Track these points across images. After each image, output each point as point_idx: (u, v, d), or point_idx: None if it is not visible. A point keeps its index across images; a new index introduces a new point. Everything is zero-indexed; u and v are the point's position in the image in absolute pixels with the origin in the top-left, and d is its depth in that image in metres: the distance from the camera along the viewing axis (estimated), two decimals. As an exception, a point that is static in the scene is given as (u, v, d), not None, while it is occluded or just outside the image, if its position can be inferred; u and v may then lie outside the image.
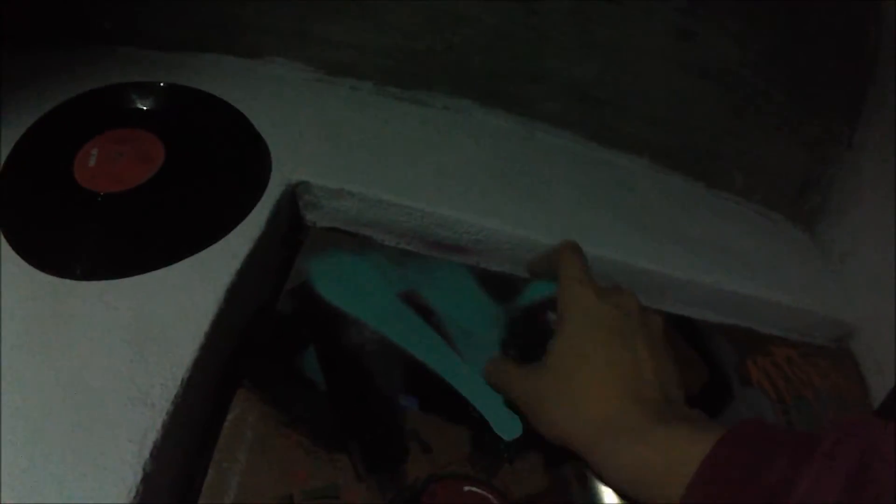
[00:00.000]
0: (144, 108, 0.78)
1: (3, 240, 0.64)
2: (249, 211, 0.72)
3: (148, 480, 0.52)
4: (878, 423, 0.40)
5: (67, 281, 0.62)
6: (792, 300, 0.98)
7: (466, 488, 0.65)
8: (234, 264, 0.67)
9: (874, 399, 1.03)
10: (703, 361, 0.88)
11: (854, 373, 1.05)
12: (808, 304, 1.00)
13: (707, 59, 0.94)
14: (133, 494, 0.51)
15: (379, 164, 0.81)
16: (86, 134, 0.73)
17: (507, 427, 0.69)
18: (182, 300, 0.62)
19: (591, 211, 0.88)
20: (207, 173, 0.74)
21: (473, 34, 0.86)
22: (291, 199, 0.79)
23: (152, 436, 0.53)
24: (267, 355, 0.66)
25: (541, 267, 0.65)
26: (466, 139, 0.89)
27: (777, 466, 0.38)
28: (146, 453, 0.52)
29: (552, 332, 0.62)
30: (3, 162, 0.69)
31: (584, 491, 0.65)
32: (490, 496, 0.65)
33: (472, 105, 0.90)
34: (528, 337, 0.59)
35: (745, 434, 0.41)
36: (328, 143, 0.82)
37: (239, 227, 0.71)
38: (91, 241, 0.66)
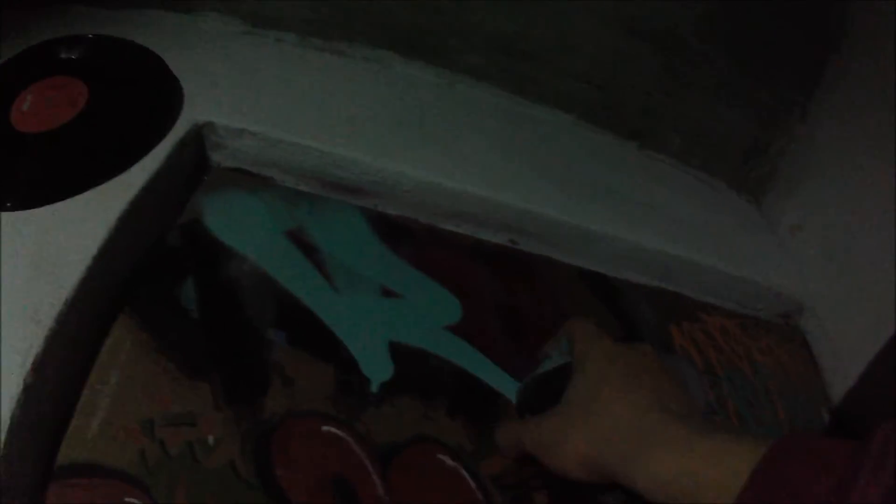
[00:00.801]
0: (74, 57, 0.82)
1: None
2: (152, 148, 0.73)
3: (28, 392, 0.53)
4: None
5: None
6: (728, 267, 0.94)
7: (325, 428, 0.63)
8: (129, 195, 0.67)
9: (828, 381, 0.97)
10: (616, 320, 0.84)
11: (803, 351, 0.99)
12: (749, 274, 0.96)
13: (642, 17, 0.92)
14: (14, 404, 0.51)
15: (286, 109, 0.81)
16: (24, 82, 0.77)
17: (377, 369, 0.68)
18: (79, 227, 0.63)
19: (504, 161, 0.86)
20: (121, 114, 0.77)
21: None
22: (197, 139, 0.78)
23: (35, 350, 0.54)
24: (148, 284, 0.66)
25: (552, 346, 0.65)
26: (382, 89, 0.88)
27: (826, 479, 0.38)
28: (28, 365, 0.53)
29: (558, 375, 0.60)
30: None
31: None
32: (348, 438, 0.63)
33: (392, 56, 0.89)
34: (540, 403, 0.59)
35: (793, 446, 0.41)
36: (241, 89, 0.82)
37: (141, 163, 0.71)
38: (14, 175, 0.69)
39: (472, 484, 0.63)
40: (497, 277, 0.80)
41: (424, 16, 0.89)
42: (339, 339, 0.67)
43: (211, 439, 0.58)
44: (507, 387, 0.70)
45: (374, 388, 0.65)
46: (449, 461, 0.64)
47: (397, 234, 0.78)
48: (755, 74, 0.98)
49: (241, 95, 0.81)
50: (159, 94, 0.79)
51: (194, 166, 0.79)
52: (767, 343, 0.97)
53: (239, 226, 0.73)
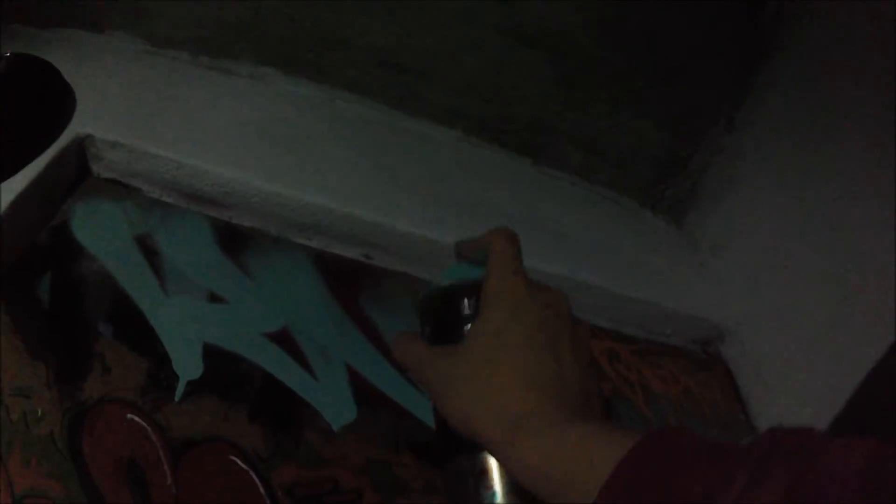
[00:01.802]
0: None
1: None
2: (38, 156, 0.78)
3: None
4: (818, 434, 0.38)
5: None
6: (627, 289, 0.88)
7: (129, 416, 0.67)
8: (9, 198, 0.72)
9: (753, 412, 0.89)
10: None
11: (722, 380, 0.91)
12: (654, 297, 0.89)
13: (530, 22, 0.89)
14: None
15: (162, 123, 0.84)
16: None
17: (188, 368, 0.70)
18: None
19: (370, 176, 0.86)
20: (15, 123, 0.81)
21: (278, 2, 0.86)
22: (79, 150, 0.83)
23: None
24: (18, 276, 0.73)
25: (470, 250, 0.61)
26: (262, 105, 0.90)
27: (693, 474, 0.37)
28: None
29: (468, 318, 0.58)
30: None
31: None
32: (148, 428, 0.66)
33: (275, 73, 0.90)
34: (443, 319, 0.59)
35: (664, 439, 0.40)
36: (128, 104, 0.86)
37: (25, 170, 0.76)
38: None
39: (261, 490, 0.65)
40: (342, 289, 0.80)
41: (304, 31, 0.89)
42: (158, 336, 0.71)
43: (39, 412, 0.64)
44: (317, 397, 0.71)
45: (180, 385, 0.68)
46: (240, 464, 0.66)
47: (240, 244, 0.81)
48: (668, 82, 0.92)
49: (126, 110, 0.85)
50: (54, 107, 0.84)
51: (76, 175, 0.84)
52: (672, 371, 0.89)
53: (97, 230, 0.78)
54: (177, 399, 0.68)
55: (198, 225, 0.81)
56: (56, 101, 0.86)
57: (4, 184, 0.74)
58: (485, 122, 0.90)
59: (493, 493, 0.49)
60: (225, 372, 0.71)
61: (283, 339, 0.74)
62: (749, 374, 0.92)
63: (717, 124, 0.96)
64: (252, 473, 0.65)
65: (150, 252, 0.77)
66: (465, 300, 0.56)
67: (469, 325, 0.55)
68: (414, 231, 0.81)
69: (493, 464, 0.50)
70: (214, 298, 0.75)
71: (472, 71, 0.90)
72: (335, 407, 0.71)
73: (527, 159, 0.92)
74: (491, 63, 0.89)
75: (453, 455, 0.52)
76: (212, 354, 0.71)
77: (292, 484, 0.65)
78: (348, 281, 0.81)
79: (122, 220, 0.80)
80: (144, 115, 0.86)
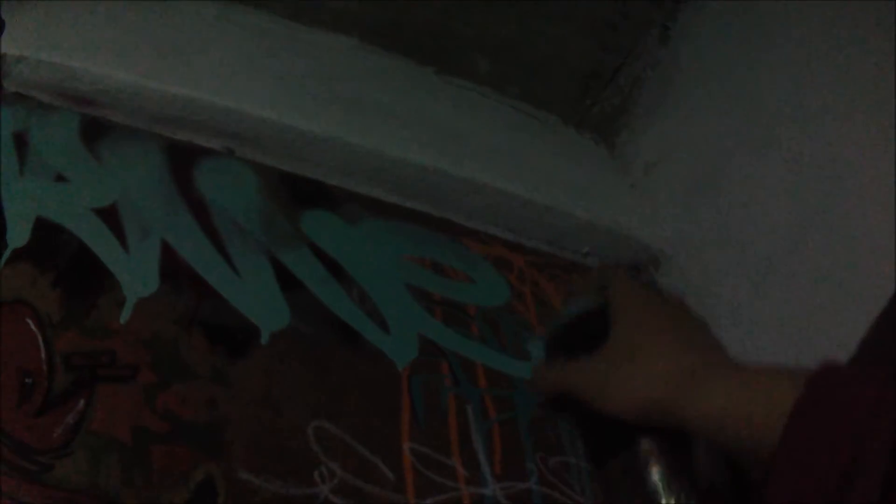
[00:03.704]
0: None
1: None
2: None
3: None
4: None
5: None
6: (533, 196, 0.78)
7: None
8: None
9: None
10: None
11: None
12: (569, 208, 0.79)
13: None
14: None
15: (64, 38, 0.85)
16: None
17: (15, 239, 0.70)
18: None
19: (248, 75, 0.83)
20: None
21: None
22: None
23: None
24: None
25: (582, 286, 0.64)
26: (155, 21, 0.91)
27: (860, 405, 0.39)
28: None
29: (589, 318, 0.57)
30: None
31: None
32: None
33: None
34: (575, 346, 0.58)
35: (830, 374, 0.42)
36: (39, 26, 0.87)
37: None
38: None
39: (43, 353, 0.63)
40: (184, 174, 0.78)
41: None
42: (2, 209, 0.71)
43: None
44: (121, 268, 0.69)
45: (5, 251, 0.68)
46: (32, 326, 0.64)
47: (100, 134, 0.80)
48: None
49: (38, 31, 0.86)
50: None
51: None
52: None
53: None
54: None
55: (67, 120, 0.81)
56: None
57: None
58: (383, 28, 0.84)
59: (661, 474, 0.48)
60: (45, 242, 0.70)
61: (109, 214, 0.73)
62: (691, 303, 0.78)
63: (650, 35, 0.86)
64: (39, 336, 0.64)
65: (21, 144, 0.78)
66: (589, 326, 0.54)
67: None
68: (276, 119, 0.76)
69: (653, 448, 0.48)
70: (59, 179, 0.75)
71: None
72: (137, 279, 0.68)
73: (429, 68, 0.84)
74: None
75: (610, 456, 0.50)
76: (40, 227, 0.71)
77: (71, 352, 0.63)
78: (191, 166, 0.78)
79: (8, 122, 0.81)
80: (54, 33, 0.87)
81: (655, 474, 0.49)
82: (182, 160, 0.78)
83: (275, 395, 0.64)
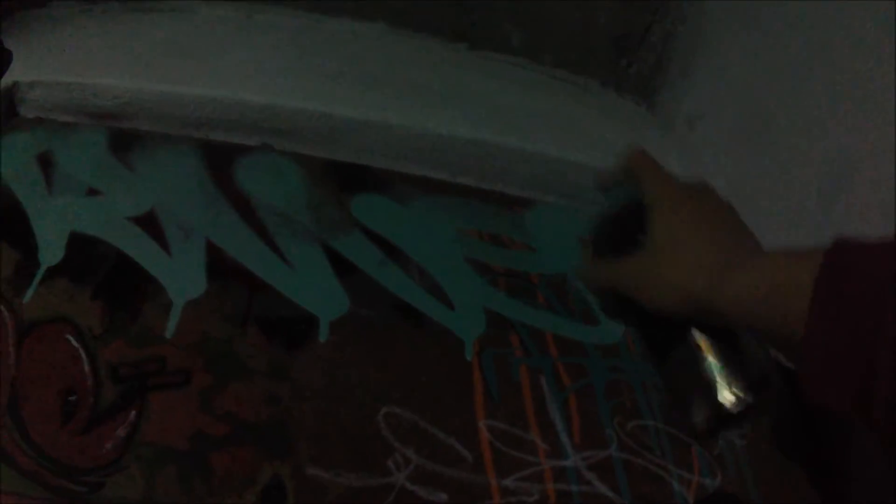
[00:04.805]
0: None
1: None
2: None
3: None
4: None
5: None
6: (590, 161, 0.76)
7: None
8: None
9: None
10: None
11: None
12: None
13: None
14: None
15: (77, 60, 0.85)
16: None
17: (50, 255, 0.68)
18: None
19: (277, 71, 0.81)
20: None
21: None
22: (9, 98, 0.86)
23: None
24: None
25: (607, 179, 0.64)
26: (175, 29, 0.89)
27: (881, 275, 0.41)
28: None
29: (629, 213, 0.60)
30: None
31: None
32: (4, 313, 0.64)
33: (196, 3, 0.87)
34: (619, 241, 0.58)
35: (848, 247, 0.44)
36: (49, 54, 0.87)
37: None
38: None
39: (86, 368, 0.61)
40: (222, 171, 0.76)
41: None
42: (32, 230, 0.70)
43: None
44: (165, 272, 0.67)
45: (39, 270, 0.67)
46: (73, 342, 0.63)
47: (130, 144, 0.79)
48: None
49: (48, 58, 0.86)
50: None
51: (7, 119, 0.86)
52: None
53: (8, 157, 0.79)
54: (32, 284, 0.65)
55: (93, 135, 0.80)
56: None
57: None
58: (407, 10, 0.82)
59: (714, 366, 0.51)
60: (81, 255, 0.68)
61: (147, 221, 0.71)
62: None
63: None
64: (81, 351, 0.62)
65: (46, 164, 0.77)
66: (631, 221, 0.57)
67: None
68: (314, 109, 0.75)
69: (703, 341, 0.52)
70: (92, 192, 0.74)
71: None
72: (183, 281, 0.66)
73: (462, 44, 0.82)
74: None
75: (668, 351, 0.54)
76: (74, 241, 0.69)
77: (118, 363, 0.61)
78: (229, 164, 0.76)
79: (30, 145, 0.81)
80: (66, 55, 0.87)
81: (709, 366, 0.51)
82: (219, 159, 0.76)
83: (339, 384, 0.61)
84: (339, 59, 0.83)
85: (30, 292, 0.64)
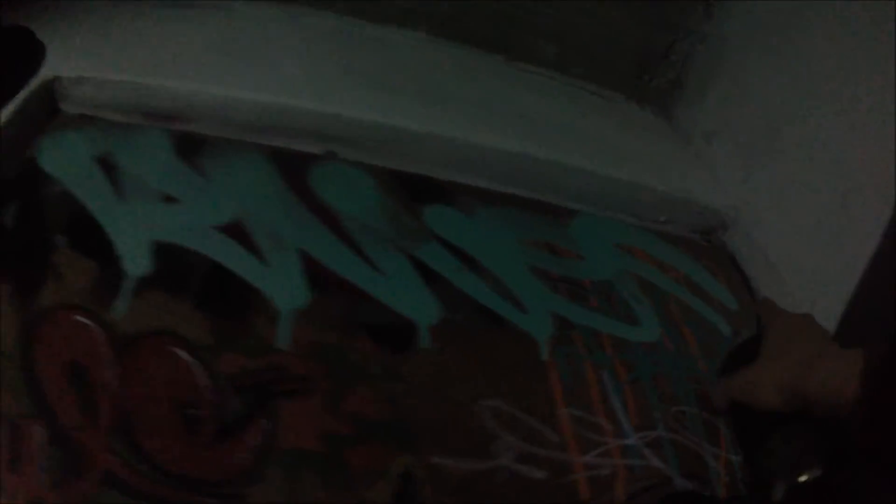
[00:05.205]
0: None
1: None
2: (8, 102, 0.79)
3: None
4: None
5: None
6: (613, 173, 0.83)
7: (76, 317, 0.65)
8: None
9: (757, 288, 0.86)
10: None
11: (729, 269, 0.85)
12: (645, 181, 0.85)
13: None
14: None
15: (124, 56, 0.85)
16: None
17: (136, 265, 0.69)
18: None
19: (328, 77, 0.84)
20: None
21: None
22: (47, 91, 0.83)
23: None
24: None
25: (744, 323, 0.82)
26: (221, 29, 0.90)
27: None
28: None
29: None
30: None
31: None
32: (94, 327, 0.64)
33: (235, 2, 0.89)
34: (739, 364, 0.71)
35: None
36: (92, 47, 0.86)
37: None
38: None
39: (205, 380, 0.63)
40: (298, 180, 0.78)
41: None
42: (111, 239, 0.70)
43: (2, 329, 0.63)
44: (267, 282, 0.69)
45: (127, 282, 0.67)
46: (183, 354, 0.64)
47: (198, 149, 0.79)
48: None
49: (91, 51, 0.86)
50: (25, 60, 0.85)
51: (46, 115, 0.84)
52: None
53: (61, 158, 0.78)
54: (122, 296, 0.66)
55: (156, 138, 0.80)
56: (26, 52, 0.87)
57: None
58: (449, 20, 0.87)
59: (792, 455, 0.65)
60: (172, 266, 0.69)
61: (234, 230, 0.72)
62: (757, 260, 0.86)
63: (696, 11, 0.92)
64: (195, 363, 0.63)
65: (109, 168, 0.76)
66: (751, 348, 0.71)
67: None
68: (376, 120, 0.79)
69: (786, 434, 0.66)
70: (168, 199, 0.74)
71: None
72: (285, 290, 0.69)
73: (499, 56, 0.88)
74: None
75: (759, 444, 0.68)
76: (160, 250, 0.70)
77: (238, 373, 0.63)
78: (303, 173, 0.78)
79: (84, 145, 0.79)
80: (108, 51, 0.86)
81: (790, 455, 0.64)
82: (292, 167, 0.77)
83: (444, 383, 0.66)
84: (388, 67, 0.87)
85: (123, 305, 0.65)
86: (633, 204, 0.85)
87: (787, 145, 0.84)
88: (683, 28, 0.90)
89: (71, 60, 0.84)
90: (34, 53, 0.87)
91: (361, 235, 0.74)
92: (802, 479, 0.63)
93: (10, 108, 0.78)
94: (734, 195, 0.88)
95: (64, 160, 0.77)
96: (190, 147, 0.79)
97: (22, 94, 0.80)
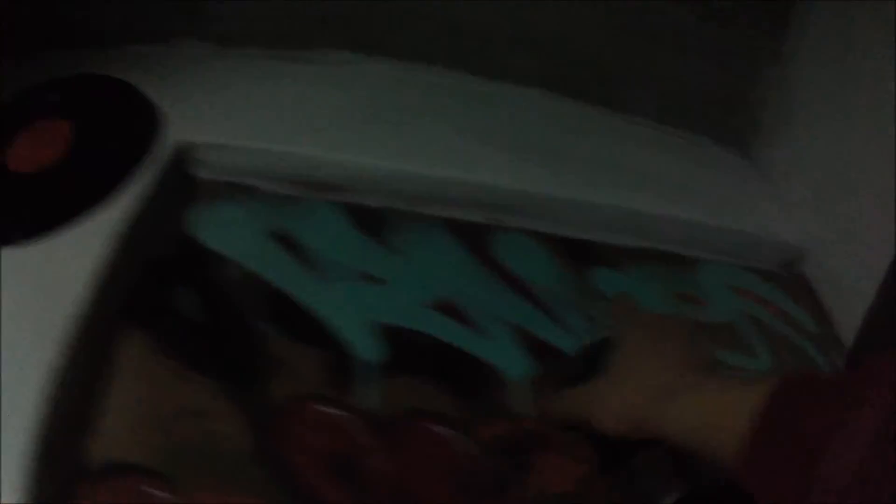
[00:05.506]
0: (56, 99, 0.85)
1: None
2: (137, 173, 0.76)
3: (51, 402, 0.57)
4: None
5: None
6: (724, 222, 0.92)
7: (321, 408, 0.67)
8: (122, 216, 0.71)
9: (838, 323, 0.94)
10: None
11: (807, 298, 0.96)
12: (746, 226, 0.94)
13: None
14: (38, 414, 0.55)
15: (258, 119, 0.85)
16: (14, 127, 0.81)
17: (368, 350, 0.70)
18: (81, 252, 0.67)
19: (469, 141, 0.87)
20: (105, 145, 0.80)
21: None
22: (180, 159, 0.82)
23: (55, 364, 0.58)
24: (148, 295, 0.71)
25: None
26: (343, 88, 0.91)
27: (822, 411, 0.42)
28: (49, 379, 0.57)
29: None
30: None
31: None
32: (344, 417, 0.66)
33: (351, 56, 0.90)
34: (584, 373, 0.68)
35: (793, 384, 0.47)
36: (216, 106, 0.86)
37: (131, 188, 0.75)
38: (12, 212, 0.73)
39: (471, 450, 0.66)
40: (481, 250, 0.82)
41: (372, 8, 0.89)
42: (328, 325, 0.71)
43: (220, 429, 0.62)
44: (494, 355, 0.73)
45: (367, 367, 0.69)
46: (444, 430, 0.67)
47: (375, 223, 0.81)
48: (720, 22, 0.97)
49: (217, 112, 0.85)
50: (140, 121, 0.83)
51: (181, 184, 0.83)
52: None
53: (225, 233, 0.77)
54: (363, 381, 0.68)
55: (330, 211, 0.81)
56: (138, 114, 0.84)
57: (113, 206, 0.73)
58: (561, 78, 0.93)
59: (655, 481, 0.62)
60: (403, 347, 0.71)
61: (445, 307, 0.75)
62: (830, 291, 0.97)
63: (768, 60, 1.01)
64: (458, 437, 0.66)
65: (289, 244, 0.77)
66: (598, 354, 0.68)
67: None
68: (536, 190, 0.85)
69: (645, 459, 0.63)
70: (369, 278, 0.76)
71: (539, 29, 0.92)
72: (514, 363, 0.73)
73: (606, 109, 0.95)
74: (554, 20, 0.92)
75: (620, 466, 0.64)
76: (386, 333, 0.72)
77: (499, 438, 0.67)
78: (485, 245, 0.83)
79: (248, 218, 0.79)
80: (235, 113, 0.86)
81: (650, 482, 0.63)
82: (475, 239, 0.81)
83: None
84: (507, 127, 0.92)
85: (369, 390, 0.67)
86: (734, 246, 0.95)
87: (856, 191, 0.94)
88: (757, 76, 0.99)
89: (192, 122, 0.82)
90: (142, 111, 0.85)
91: (552, 301, 0.79)
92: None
93: (147, 177, 0.76)
94: (810, 229, 0.99)
95: (231, 236, 0.76)
96: (367, 221, 0.81)
97: (153, 162, 0.78)
